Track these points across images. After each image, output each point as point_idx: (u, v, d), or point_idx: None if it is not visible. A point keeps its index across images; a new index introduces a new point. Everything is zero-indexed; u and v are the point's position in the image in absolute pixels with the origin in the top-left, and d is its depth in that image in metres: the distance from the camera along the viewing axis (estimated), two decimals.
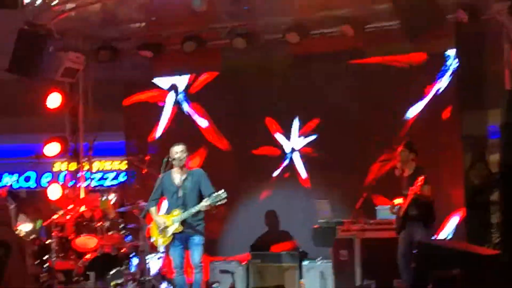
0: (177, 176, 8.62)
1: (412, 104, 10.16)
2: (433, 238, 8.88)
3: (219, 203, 8.29)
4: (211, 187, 8.45)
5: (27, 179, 15.40)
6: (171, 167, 8.64)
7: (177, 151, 8.56)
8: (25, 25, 9.99)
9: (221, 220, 10.67)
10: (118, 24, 10.35)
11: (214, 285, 9.77)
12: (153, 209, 8.69)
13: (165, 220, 8.57)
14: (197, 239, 8.50)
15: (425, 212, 8.59)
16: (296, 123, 10.89)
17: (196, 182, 8.51)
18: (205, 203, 8.31)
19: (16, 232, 9.58)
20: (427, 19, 8.59)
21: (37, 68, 10.17)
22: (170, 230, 8.51)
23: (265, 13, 9.82)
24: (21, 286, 3.85)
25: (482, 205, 9.41)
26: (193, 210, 8.38)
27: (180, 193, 8.53)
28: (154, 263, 9.86)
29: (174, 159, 8.54)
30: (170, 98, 11.48)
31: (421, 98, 10.12)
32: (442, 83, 10.02)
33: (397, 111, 10.25)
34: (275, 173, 10.95)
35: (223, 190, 8.21)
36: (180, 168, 8.60)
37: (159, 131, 11.55)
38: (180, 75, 11.41)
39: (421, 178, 8.36)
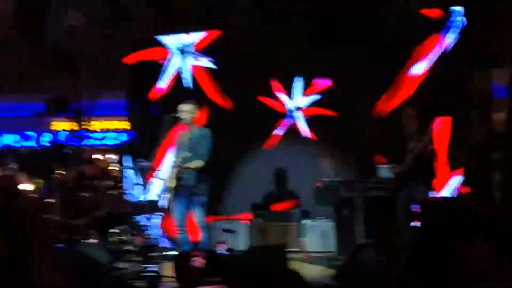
0: (185, 135, 8.65)
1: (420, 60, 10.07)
2: (435, 196, 8.86)
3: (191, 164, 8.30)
4: (204, 149, 8.43)
5: (26, 138, 15.34)
6: (175, 124, 8.66)
7: (185, 109, 8.57)
8: None
9: (224, 179, 10.67)
10: None
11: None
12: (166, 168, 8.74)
13: (167, 175, 8.66)
14: (198, 199, 8.52)
15: (427, 169, 8.56)
16: (299, 83, 10.81)
17: (198, 140, 8.52)
18: (177, 160, 8.34)
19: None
20: None
21: (39, 27, 10.07)
22: (170, 188, 8.58)
23: None
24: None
25: (485, 164, 9.38)
26: (176, 168, 8.41)
27: (182, 149, 8.56)
28: (155, 222, 9.87)
29: (182, 118, 8.54)
30: (174, 57, 11.36)
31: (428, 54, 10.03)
32: (449, 40, 9.92)
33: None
34: (278, 131, 10.88)
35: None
36: (189, 126, 8.62)
37: (161, 90, 11.46)
38: (184, 33, 11.28)
39: (429, 133, 8.35)
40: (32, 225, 3.74)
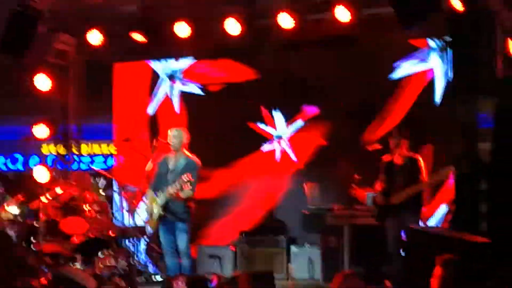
0: (171, 161, 8.63)
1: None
2: (422, 225, 8.90)
3: (184, 187, 8.27)
4: (194, 183, 8.42)
5: (14, 161, 15.27)
6: (162, 150, 8.65)
7: (173, 135, 8.58)
8: (17, 6, 9.86)
9: (211, 205, 10.66)
10: (111, 6, 10.23)
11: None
12: (150, 194, 8.69)
13: (151, 204, 8.60)
14: (181, 225, 8.50)
15: (418, 199, 8.62)
16: (279, 114, 10.87)
17: (185, 169, 8.48)
18: (171, 188, 8.31)
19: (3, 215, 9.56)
20: (422, 7, 8.55)
21: (27, 49, 10.06)
22: (155, 215, 8.54)
23: None
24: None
25: (471, 194, 9.41)
26: (165, 194, 8.38)
27: (169, 177, 8.52)
28: (142, 247, 9.87)
29: (169, 143, 8.56)
30: (163, 83, 11.40)
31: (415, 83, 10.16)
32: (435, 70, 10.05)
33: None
34: (265, 158, 10.92)
35: (185, 175, 8.17)
36: (175, 153, 8.60)
37: (149, 113, 11.50)
38: (172, 59, 11.33)
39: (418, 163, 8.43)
40: (16, 249, 3.75)
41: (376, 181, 8.86)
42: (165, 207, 8.47)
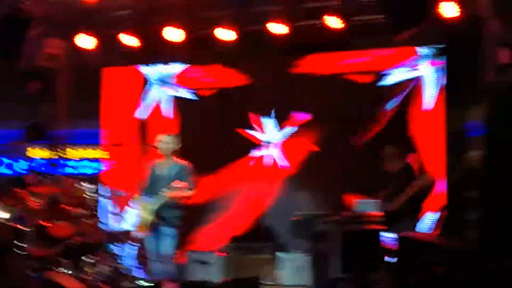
0: (161, 167, 8.58)
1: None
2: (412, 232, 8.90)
3: (177, 194, 8.25)
4: (191, 185, 8.39)
5: (2, 164, 15.22)
6: (154, 155, 8.63)
7: (164, 141, 8.53)
8: (8, 9, 9.81)
9: (200, 211, 10.64)
10: (103, 10, 10.19)
11: None
12: (140, 199, 8.65)
13: (143, 210, 8.56)
14: (168, 231, 8.46)
15: (417, 208, 8.70)
16: (270, 120, 10.84)
17: (177, 175, 8.45)
18: (163, 193, 8.28)
19: None
20: (413, 13, 8.57)
21: (17, 53, 10.01)
22: (146, 221, 8.50)
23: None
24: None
25: (460, 202, 9.43)
26: (158, 201, 8.35)
27: (161, 184, 8.47)
28: (130, 251, 9.82)
29: (160, 148, 8.51)
30: (154, 88, 11.37)
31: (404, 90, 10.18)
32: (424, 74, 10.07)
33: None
34: (255, 164, 10.89)
35: (178, 182, 8.16)
36: (165, 158, 8.56)
37: (139, 119, 11.46)
38: (165, 64, 11.31)
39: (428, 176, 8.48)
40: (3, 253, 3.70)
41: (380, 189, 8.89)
42: (157, 213, 8.43)
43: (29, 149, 15.04)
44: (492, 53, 8.84)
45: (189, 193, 8.39)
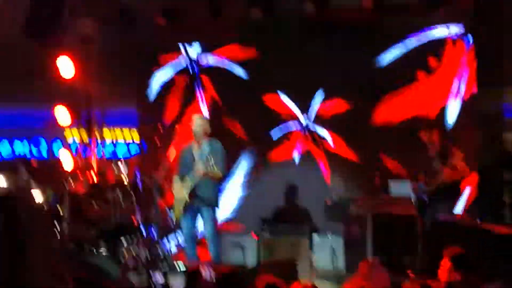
0: (195, 148, 8.67)
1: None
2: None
3: (211, 172, 8.29)
4: (220, 162, 8.44)
5: (37, 145, 15.35)
6: (185, 136, 8.71)
7: (197, 122, 8.61)
8: None
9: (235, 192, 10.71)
10: None
11: None
12: (176, 182, 8.71)
13: (178, 191, 8.64)
14: (207, 212, 8.51)
15: (453, 193, 8.65)
16: (317, 99, 10.80)
17: (211, 154, 8.52)
18: (197, 172, 8.32)
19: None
20: None
21: (51, 33, 10.09)
22: (181, 202, 8.58)
23: None
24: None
25: (495, 184, 9.37)
26: (192, 180, 8.40)
27: (197, 165, 8.55)
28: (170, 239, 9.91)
29: (194, 130, 8.59)
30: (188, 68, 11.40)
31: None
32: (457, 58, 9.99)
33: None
34: (292, 143, 10.88)
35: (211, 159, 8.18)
36: (198, 140, 8.63)
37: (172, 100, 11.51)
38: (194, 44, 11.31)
39: (458, 155, 8.40)
40: (39, 235, 3.76)
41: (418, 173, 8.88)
42: (192, 193, 8.50)
43: (66, 130, 15.18)
44: None
45: (220, 172, 8.45)
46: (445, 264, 5.54)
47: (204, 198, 8.53)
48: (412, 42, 10.12)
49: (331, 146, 10.58)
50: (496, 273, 6.46)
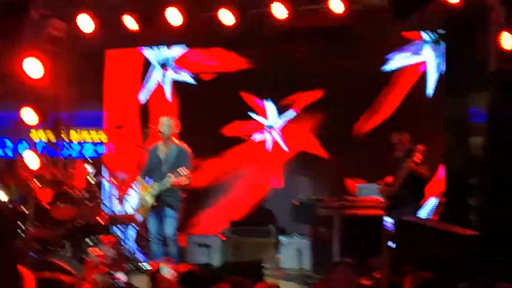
0: (162, 149, 8.64)
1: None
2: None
3: (181, 180, 8.26)
4: (187, 167, 8.42)
5: (2, 146, 15.19)
6: (153, 137, 8.67)
7: (164, 123, 8.59)
8: None
9: (201, 194, 10.67)
10: None
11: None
12: (140, 182, 8.69)
13: (143, 193, 8.61)
14: (169, 212, 8.52)
15: (417, 194, 8.70)
16: (271, 104, 10.80)
17: (177, 158, 8.50)
18: (168, 178, 8.31)
19: None
20: None
21: (18, 34, 9.99)
22: (147, 204, 8.55)
23: None
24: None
25: (461, 188, 9.43)
26: (161, 186, 8.40)
27: (162, 167, 8.52)
28: (132, 234, 9.86)
29: (160, 131, 8.56)
30: (155, 71, 11.34)
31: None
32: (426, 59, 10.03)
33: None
34: (256, 148, 10.87)
35: (184, 168, 8.16)
36: (165, 141, 8.60)
37: (140, 101, 11.44)
38: (165, 47, 11.27)
39: (419, 149, 8.44)
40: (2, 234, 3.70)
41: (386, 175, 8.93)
42: (158, 196, 8.48)
43: (32, 131, 15.04)
44: (496, 40, 8.82)
45: (187, 179, 8.43)
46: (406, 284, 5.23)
47: (166, 202, 8.52)
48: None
49: (296, 149, 10.59)
50: (462, 275, 6.48)
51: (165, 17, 10.05)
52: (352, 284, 6.88)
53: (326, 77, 10.32)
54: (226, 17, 9.92)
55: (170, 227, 8.61)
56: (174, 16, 10.03)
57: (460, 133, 9.59)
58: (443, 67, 9.90)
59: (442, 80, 9.94)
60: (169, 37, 10.75)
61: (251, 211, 10.53)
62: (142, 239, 9.88)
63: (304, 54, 10.43)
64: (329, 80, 10.29)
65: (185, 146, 8.70)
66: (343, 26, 9.84)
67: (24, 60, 10.57)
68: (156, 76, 11.35)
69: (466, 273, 6.59)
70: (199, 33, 10.40)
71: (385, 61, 10.26)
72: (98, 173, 10.73)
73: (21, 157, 11.05)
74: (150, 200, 8.56)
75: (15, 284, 3.82)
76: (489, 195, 8.69)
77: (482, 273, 6.58)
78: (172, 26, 10.10)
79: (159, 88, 11.32)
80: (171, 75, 11.26)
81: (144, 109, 11.38)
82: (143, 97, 11.44)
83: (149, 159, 8.82)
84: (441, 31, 9.88)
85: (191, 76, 11.14)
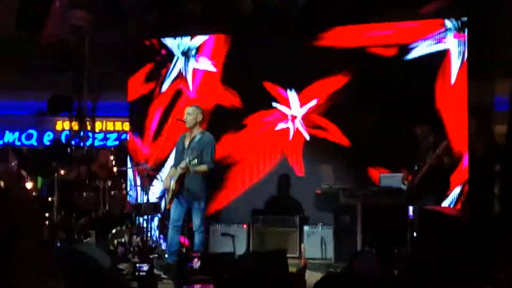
0: (187, 138, 8.71)
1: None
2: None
3: (200, 168, 8.35)
4: (209, 157, 8.47)
5: (28, 137, 15.36)
6: (181, 127, 8.78)
7: (190, 112, 8.65)
8: None
9: (227, 187, 10.71)
10: None
11: None
12: (171, 170, 8.76)
13: (167, 180, 8.70)
14: (197, 204, 8.56)
15: (441, 184, 8.67)
16: (294, 93, 10.78)
17: (199, 145, 8.55)
18: (183, 163, 8.36)
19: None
20: None
21: (43, 25, 10.05)
22: (171, 190, 8.63)
23: None
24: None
25: (485, 176, 9.39)
26: (179, 170, 8.46)
27: (185, 154, 8.58)
28: (155, 223, 9.92)
29: (186, 120, 8.62)
30: (178, 61, 11.36)
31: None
32: (450, 47, 9.96)
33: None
34: (279, 137, 10.86)
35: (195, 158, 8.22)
36: (191, 130, 8.67)
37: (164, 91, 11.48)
38: (186, 36, 11.28)
39: (444, 144, 8.40)
40: (27, 223, 3.74)
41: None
42: (180, 182, 8.52)
43: (57, 121, 15.18)
44: None
45: (207, 166, 8.48)
46: None
47: (190, 190, 8.56)
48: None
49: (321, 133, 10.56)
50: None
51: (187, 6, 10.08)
52: (376, 273, 6.87)
53: (347, 67, 10.27)
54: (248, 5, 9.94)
55: (196, 217, 8.65)
56: (195, 5, 10.05)
57: (484, 121, 9.54)
58: (466, 55, 9.82)
59: (465, 68, 9.84)
60: (190, 26, 10.76)
61: (275, 200, 10.53)
62: (164, 228, 9.95)
63: (324, 42, 10.39)
64: (350, 69, 10.25)
65: (207, 133, 8.76)
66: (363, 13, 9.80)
67: (48, 50, 10.67)
68: (178, 65, 11.37)
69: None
70: (220, 21, 10.40)
71: (408, 49, 10.18)
72: (122, 163, 10.81)
73: (46, 146, 11.14)
74: (171, 187, 8.65)
75: (44, 278, 3.87)
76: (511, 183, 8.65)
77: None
78: (193, 14, 10.11)
79: (182, 78, 11.33)
80: (193, 64, 11.26)
81: (170, 100, 11.36)
82: (165, 86, 11.46)
83: (176, 148, 8.93)
84: (464, 18, 9.80)
85: (212, 65, 11.14)
